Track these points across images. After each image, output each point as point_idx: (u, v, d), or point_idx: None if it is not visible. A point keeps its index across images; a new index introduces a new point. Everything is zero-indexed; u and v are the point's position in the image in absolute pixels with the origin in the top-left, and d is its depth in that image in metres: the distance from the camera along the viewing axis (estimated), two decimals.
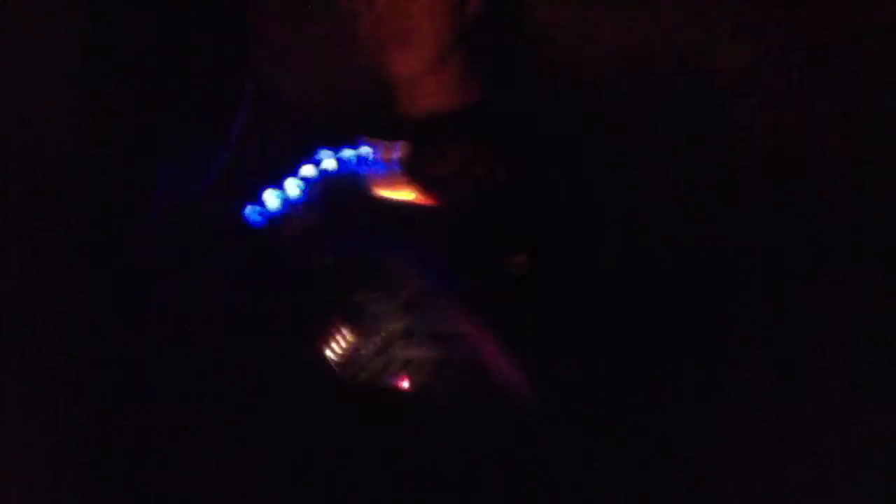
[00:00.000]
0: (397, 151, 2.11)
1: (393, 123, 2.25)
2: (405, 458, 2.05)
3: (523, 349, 2.20)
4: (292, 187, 2.02)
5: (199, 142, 2.05)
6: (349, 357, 1.94)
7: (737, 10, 2.53)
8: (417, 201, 2.09)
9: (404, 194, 2.08)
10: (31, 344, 2.13)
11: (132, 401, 2.17)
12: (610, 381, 2.39)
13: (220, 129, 2.04)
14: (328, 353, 1.96)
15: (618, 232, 2.46)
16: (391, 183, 2.08)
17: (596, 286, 2.40)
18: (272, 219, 2.02)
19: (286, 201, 2.01)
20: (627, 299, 2.44)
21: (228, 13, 2.02)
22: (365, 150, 2.08)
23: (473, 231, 2.07)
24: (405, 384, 1.95)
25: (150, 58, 1.98)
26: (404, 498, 2.03)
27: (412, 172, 2.08)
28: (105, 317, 2.18)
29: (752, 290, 2.46)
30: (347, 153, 2.07)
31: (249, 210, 2.04)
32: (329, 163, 2.05)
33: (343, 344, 1.94)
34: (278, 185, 2.05)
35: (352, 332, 1.93)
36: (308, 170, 2.05)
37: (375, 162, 2.07)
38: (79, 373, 2.15)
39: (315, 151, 2.07)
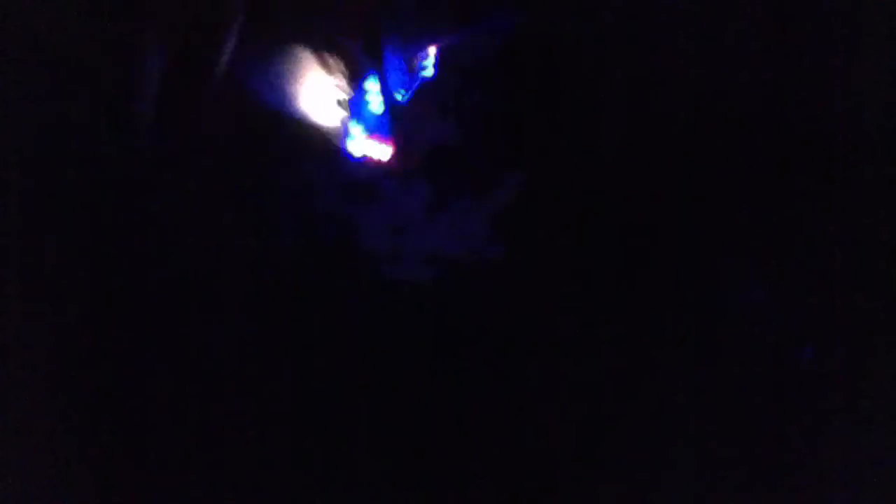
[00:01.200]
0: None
1: None
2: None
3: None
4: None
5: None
6: None
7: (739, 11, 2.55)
8: None
9: None
10: (31, 344, 2.15)
11: (132, 401, 2.20)
12: (608, 379, 2.40)
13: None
14: None
15: (618, 232, 2.47)
16: None
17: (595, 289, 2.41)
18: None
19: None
20: (626, 298, 2.45)
21: None
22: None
23: None
24: None
25: None
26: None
27: None
28: (105, 316, 2.21)
29: (753, 289, 2.46)
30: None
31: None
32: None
33: None
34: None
35: None
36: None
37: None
38: (79, 372, 2.17)
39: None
